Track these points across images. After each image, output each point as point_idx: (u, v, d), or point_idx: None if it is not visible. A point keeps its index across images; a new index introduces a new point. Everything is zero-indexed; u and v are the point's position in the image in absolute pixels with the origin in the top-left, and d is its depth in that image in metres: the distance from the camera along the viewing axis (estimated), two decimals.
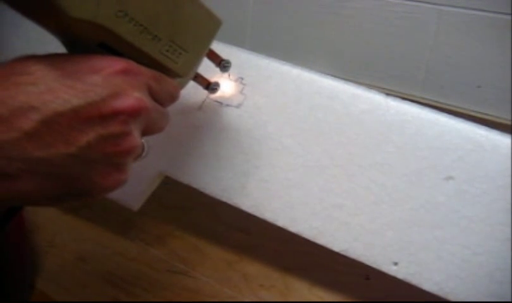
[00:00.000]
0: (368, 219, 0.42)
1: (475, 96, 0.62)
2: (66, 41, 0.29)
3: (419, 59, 0.64)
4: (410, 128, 0.43)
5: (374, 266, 0.41)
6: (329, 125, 0.45)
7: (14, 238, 0.49)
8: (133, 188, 0.49)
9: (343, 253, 0.42)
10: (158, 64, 0.31)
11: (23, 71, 0.25)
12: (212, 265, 0.52)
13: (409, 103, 0.44)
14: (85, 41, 0.28)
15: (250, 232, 0.55)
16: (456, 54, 0.61)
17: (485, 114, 0.62)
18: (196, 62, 0.36)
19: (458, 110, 0.63)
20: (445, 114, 0.43)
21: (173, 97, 0.33)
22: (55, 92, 0.24)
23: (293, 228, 0.44)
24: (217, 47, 0.41)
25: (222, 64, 0.44)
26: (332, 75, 0.48)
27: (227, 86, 0.48)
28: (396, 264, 0.41)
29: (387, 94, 0.45)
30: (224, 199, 0.46)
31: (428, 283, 0.40)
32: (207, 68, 0.42)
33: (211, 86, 0.44)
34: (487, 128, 0.42)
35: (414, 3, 0.61)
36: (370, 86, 0.47)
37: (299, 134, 0.46)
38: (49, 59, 0.26)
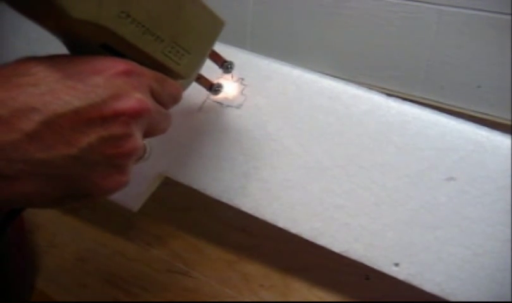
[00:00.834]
0: (368, 220, 0.42)
1: (475, 96, 0.62)
2: (67, 42, 0.29)
3: (419, 59, 0.64)
4: (411, 129, 0.43)
5: (375, 267, 0.41)
6: (329, 126, 0.45)
7: (14, 239, 0.49)
8: (133, 189, 0.49)
9: (344, 254, 0.42)
10: (160, 65, 0.31)
11: (24, 72, 0.24)
12: (212, 265, 0.52)
13: (410, 103, 0.44)
14: (86, 42, 0.28)
15: (250, 232, 0.55)
16: (456, 54, 0.61)
17: (485, 114, 0.62)
18: (199, 63, 0.36)
19: (458, 110, 0.63)
20: (446, 115, 0.43)
21: (175, 99, 0.32)
22: (57, 93, 0.24)
23: (294, 229, 0.44)
24: (217, 47, 0.41)
25: (225, 65, 0.44)
26: (332, 75, 0.47)
27: (227, 86, 0.47)
28: (396, 265, 0.41)
29: (388, 94, 0.45)
30: (224, 200, 0.46)
31: (429, 283, 0.40)
32: (206, 68, 0.42)
33: (214, 88, 0.44)
34: (487, 129, 0.42)
35: (414, 3, 0.61)
36: (370, 87, 0.47)
37: (299, 135, 0.46)
38: (51, 60, 0.26)
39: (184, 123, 0.48)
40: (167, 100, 0.31)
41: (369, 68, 0.68)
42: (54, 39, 0.29)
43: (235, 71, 0.46)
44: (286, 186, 0.45)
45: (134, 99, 0.27)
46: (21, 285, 0.50)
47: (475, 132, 0.42)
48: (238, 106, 0.48)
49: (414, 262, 0.40)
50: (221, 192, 0.46)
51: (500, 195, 0.40)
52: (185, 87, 0.37)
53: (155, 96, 0.29)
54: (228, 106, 0.48)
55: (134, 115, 0.27)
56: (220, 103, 0.48)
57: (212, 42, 0.35)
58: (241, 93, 0.48)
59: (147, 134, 0.30)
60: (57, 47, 0.28)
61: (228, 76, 0.48)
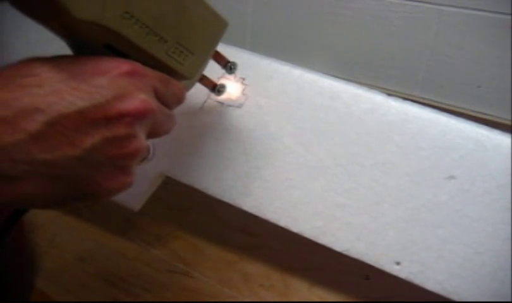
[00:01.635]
0: (370, 218, 0.42)
1: (475, 96, 0.63)
2: (71, 43, 0.29)
3: (419, 59, 0.64)
4: (412, 128, 0.43)
5: (376, 265, 0.41)
6: (330, 125, 0.45)
7: (13, 239, 0.49)
8: (134, 188, 0.48)
9: (345, 253, 0.42)
10: (164, 65, 0.31)
11: (28, 72, 0.24)
12: (212, 265, 0.52)
13: (411, 103, 0.45)
14: (90, 43, 0.28)
15: (250, 232, 0.55)
16: (456, 54, 0.62)
17: (485, 114, 0.63)
18: (203, 63, 0.36)
19: (458, 110, 0.63)
20: (447, 114, 0.43)
21: (179, 99, 0.32)
22: (61, 94, 0.24)
23: (295, 228, 0.44)
24: (218, 47, 0.41)
25: (228, 66, 0.44)
26: (332, 75, 0.48)
27: (228, 86, 0.47)
28: (398, 263, 0.41)
29: (388, 94, 0.45)
30: (226, 200, 0.46)
31: (430, 282, 0.40)
32: (206, 68, 0.42)
33: (217, 88, 0.44)
34: (488, 128, 0.42)
35: (414, 3, 0.61)
36: (370, 86, 0.47)
37: (300, 134, 0.46)
38: (54, 60, 0.25)
39: (185, 123, 0.48)
40: (170, 100, 0.31)
41: (369, 68, 0.68)
42: (55, 40, 0.29)
43: (236, 71, 0.46)
44: (287, 185, 0.45)
45: (138, 100, 0.27)
46: (20, 284, 0.50)
47: (475, 131, 0.42)
48: (239, 106, 0.48)
49: (415, 261, 0.40)
50: (223, 191, 0.46)
51: (500, 193, 0.40)
52: (189, 87, 0.37)
53: (159, 96, 0.29)
54: (229, 106, 0.48)
55: (138, 116, 0.27)
56: (221, 103, 0.48)
57: (215, 43, 0.35)
58: (242, 92, 0.48)
59: (151, 135, 0.30)
60: (58, 48, 0.28)
61: (229, 76, 0.48)
